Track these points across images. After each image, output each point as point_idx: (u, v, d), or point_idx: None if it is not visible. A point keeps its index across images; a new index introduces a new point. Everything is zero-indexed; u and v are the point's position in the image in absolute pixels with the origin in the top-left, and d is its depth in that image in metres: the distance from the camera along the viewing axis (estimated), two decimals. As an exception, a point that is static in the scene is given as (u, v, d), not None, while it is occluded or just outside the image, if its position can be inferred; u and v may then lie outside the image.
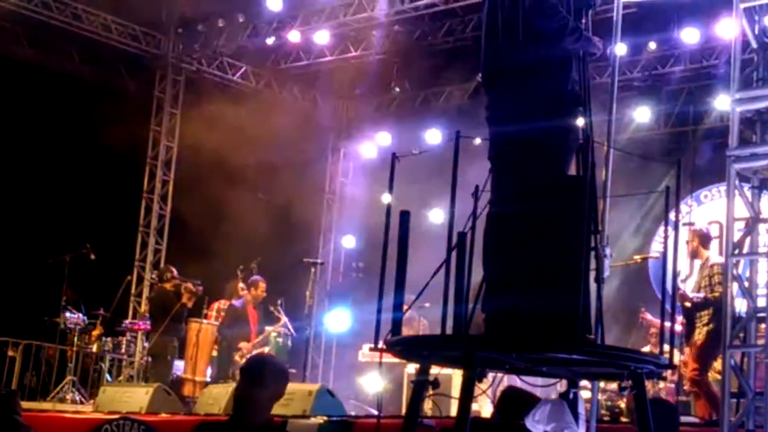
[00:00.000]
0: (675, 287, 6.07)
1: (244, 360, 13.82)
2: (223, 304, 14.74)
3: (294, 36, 18.14)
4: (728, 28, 7.82)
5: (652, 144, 16.32)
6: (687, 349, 11.49)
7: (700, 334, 10.99)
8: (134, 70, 19.33)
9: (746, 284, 7.49)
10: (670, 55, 16.48)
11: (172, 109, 19.73)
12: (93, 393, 14.01)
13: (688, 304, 11.05)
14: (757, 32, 7.68)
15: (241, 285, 14.76)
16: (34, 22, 17.68)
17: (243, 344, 13.95)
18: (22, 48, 17.82)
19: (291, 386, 11.32)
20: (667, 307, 6.08)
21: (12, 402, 5.90)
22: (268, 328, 14.38)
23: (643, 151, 15.50)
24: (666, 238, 6.86)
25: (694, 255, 11.50)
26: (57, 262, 15.47)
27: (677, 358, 11.02)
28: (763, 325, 8.72)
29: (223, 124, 18.40)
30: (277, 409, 10.47)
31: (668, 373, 8.97)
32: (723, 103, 14.11)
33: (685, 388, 12.79)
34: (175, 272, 15.72)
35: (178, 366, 14.87)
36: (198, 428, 5.47)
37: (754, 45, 7.68)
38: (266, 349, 14.08)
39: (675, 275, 5.95)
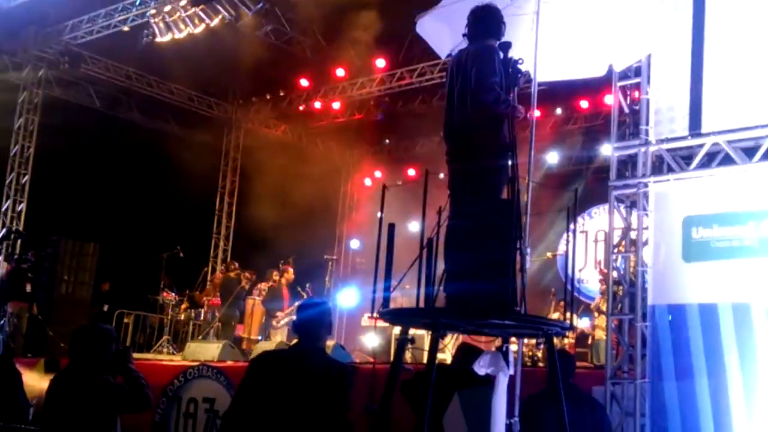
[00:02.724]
0: (574, 274, 6.08)
1: (278, 324, 13.84)
2: (263, 285, 14.68)
3: (317, 104, 18.25)
4: (610, 99, 7.89)
5: (560, 177, 16.32)
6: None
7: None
8: (210, 128, 19.41)
9: (622, 272, 7.54)
10: (571, 117, 16.56)
11: (235, 154, 19.80)
12: (181, 348, 13.98)
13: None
14: (628, 102, 7.74)
15: (275, 273, 14.68)
16: (142, 94, 17.76)
17: (279, 313, 13.92)
18: (132, 113, 17.89)
19: (315, 343, 11.36)
20: (569, 287, 6.11)
21: (127, 355, 5.88)
22: (297, 303, 14.35)
23: (553, 183, 15.53)
24: (568, 241, 6.88)
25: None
26: (158, 258, 15.56)
27: (580, 322, 11.09)
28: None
29: (269, 164, 18.47)
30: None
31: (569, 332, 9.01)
32: (607, 149, 14.14)
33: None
34: (237, 265, 15.77)
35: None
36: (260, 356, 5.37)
37: (626, 110, 7.73)
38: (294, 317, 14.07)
39: (574, 266, 5.98)
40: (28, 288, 14.56)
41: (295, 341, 5.32)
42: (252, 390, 4.86)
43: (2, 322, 14.39)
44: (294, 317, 13.74)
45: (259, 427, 4.77)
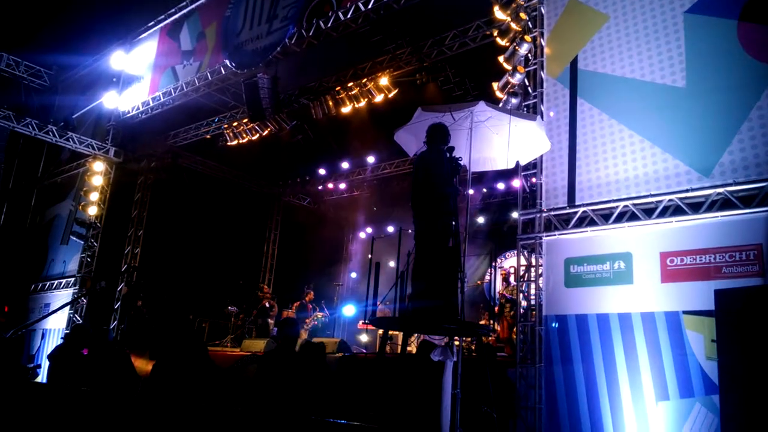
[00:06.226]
0: (495, 296, 6.08)
1: (307, 327, 13.65)
2: (296, 304, 14.55)
3: (330, 185, 18.26)
4: (517, 183, 7.93)
5: (485, 233, 16.21)
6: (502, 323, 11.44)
7: (507, 316, 10.94)
8: (260, 200, 19.36)
9: (525, 294, 7.53)
10: (493, 194, 16.44)
11: (277, 217, 19.72)
12: (240, 343, 13.77)
13: (503, 301, 11.01)
14: (529, 185, 7.80)
15: (304, 296, 14.59)
16: (218, 178, 17.73)
17: (307, 320, 13.77)
18: (212, 190, 17.66)
19: (326, 340, 11.22)
20: (492, 304, 6.12)
21: (204, 349, 5.82)
22: (317, 314, 14.19)
23: (481, 236, 15.54)
24: (492, 274, 6.89)
25: (505, 278, 11.37)
26: (226, 287, 15.48)
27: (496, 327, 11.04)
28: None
29: (298, 224, 18.45)
30: (321, 350, 10.33)
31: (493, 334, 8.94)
32: (515, 215, 14.23)
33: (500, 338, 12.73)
34: (264, 288, 15.59)
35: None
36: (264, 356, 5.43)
37: (528, 190, 7.79)
38: (318, 323, 13.91)
39: (495, 291, 5.98)
40: (139, 303, 14.40)
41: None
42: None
43: (123, 325, 14.20)
44: (315, 322, 13.69)
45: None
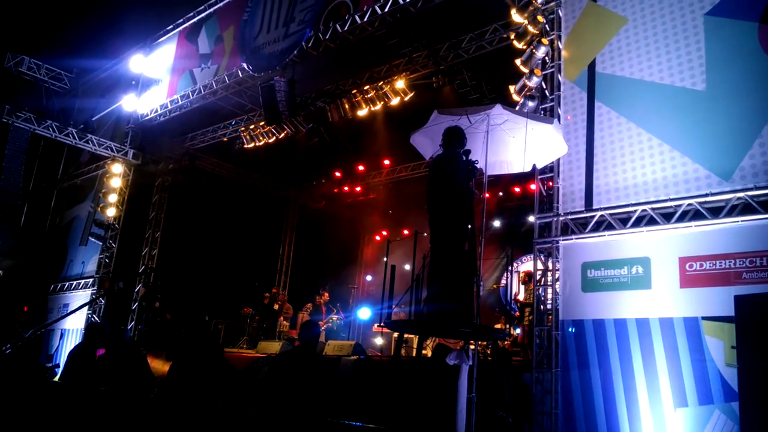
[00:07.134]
0: (511, 300, 6.04)
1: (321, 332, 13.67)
2: (308, 306, 14.56)
3: (345, 188, 18.27)
4: (533, 186, 7.89)
5: (501, 236, 16.08)
6: (519, 328, 11.37)
7: (526, 320, 10.86)
8: (276, 203, 19.41)
9: (542, 298, 7.48)
10: (509, 197, 16.25)
11: (292, 219, 19.76)
12: (255, 345, 13.81)
13: (518, 305, 10.92)
14: (545, 188, 7.76)
15: (317, 297, 14.58)
16: (234, 181, 17.84)
17: (319, 323, 13.76)
18: (228, 192, 17.75)
19: (341, 342, 11.22)
20: (508, 308, 6.09)
21: (221, 350, 5.84)
22: (333, 316, 14.18)
23: (496, 240, 15.46)
24: (509, 278, 6.85)
25: (525, 282, 11.23)
26: (242, 289, 15.55)
27: (515, 331, 10.97)
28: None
29: (315, 225, 18.48)
30: (335, 352, 10.34)
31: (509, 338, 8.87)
32: (532, 219, 14.08)
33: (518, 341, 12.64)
34: (275, 291, 15.59)
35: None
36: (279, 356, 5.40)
37: (544, 194, 7.75)
38: (333, 325, 13.90)
39: (511, 295, 5.94)
40: (157, 304, 14.51)
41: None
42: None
43: (140, 326, 14.32)
44: (329, 324, 13.70)
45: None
